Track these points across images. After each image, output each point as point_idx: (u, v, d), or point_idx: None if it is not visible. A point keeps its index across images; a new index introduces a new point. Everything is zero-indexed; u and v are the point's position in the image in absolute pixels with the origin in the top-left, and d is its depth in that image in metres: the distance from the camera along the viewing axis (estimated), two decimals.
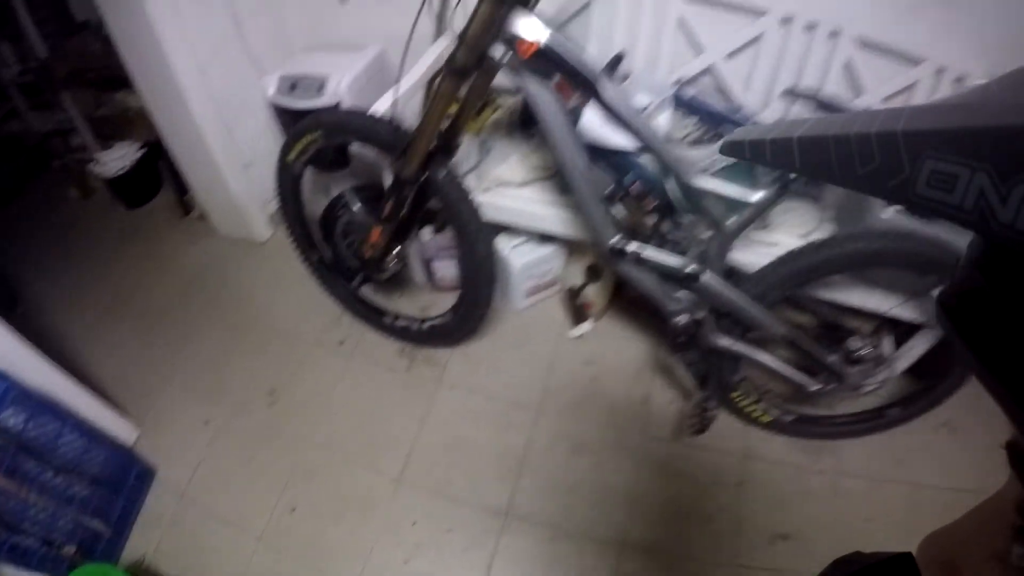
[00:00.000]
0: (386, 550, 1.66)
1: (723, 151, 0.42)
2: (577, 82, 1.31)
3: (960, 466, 2.12)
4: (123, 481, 1.73)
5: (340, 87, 1.90)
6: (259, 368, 2.05)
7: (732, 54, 1.90)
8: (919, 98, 1.89)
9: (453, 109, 1.46)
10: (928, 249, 1.44)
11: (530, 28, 1.26)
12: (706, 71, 1.95)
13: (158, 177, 2.72)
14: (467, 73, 1.35)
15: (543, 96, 1.35)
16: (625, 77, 1.84)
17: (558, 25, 1.85)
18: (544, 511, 1.74)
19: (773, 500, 1.86)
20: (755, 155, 0.39)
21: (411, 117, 1.76)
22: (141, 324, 2.23)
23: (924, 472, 2.05)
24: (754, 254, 1.62)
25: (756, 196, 1.39)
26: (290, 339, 2.13)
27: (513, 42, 1.28)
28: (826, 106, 1.49)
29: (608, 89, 1.30)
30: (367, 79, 1.98)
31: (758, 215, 1.43)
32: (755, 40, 1.85)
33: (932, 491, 2.02)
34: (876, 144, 0.31)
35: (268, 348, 2.11)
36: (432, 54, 1.72)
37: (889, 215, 1.52)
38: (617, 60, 1.74)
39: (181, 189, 2.53)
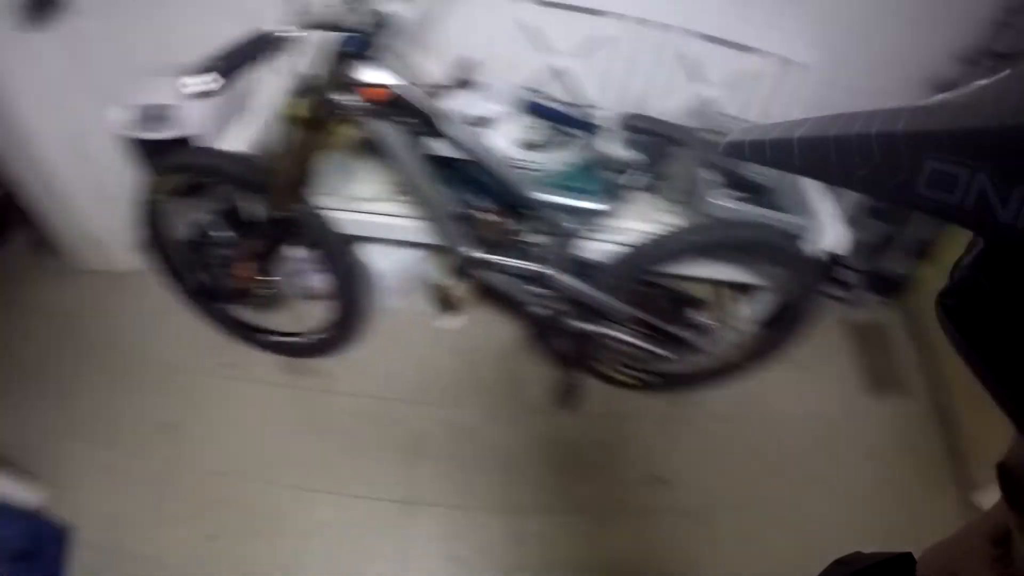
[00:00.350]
0: (307, 555, 1.80)
1: (723, 152, 0.44)
2: (420, 120, 1.46)
3: (811, 397, 2.49)
4: (43, 547, 1.72)
5: (195, 116, 1.92)
6: (150, 405, 2.08)
7: (580, 54, 2.07)
8: (761, 84, 2.19)
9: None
10: (758, 234, 1.70)
11: (374, 76, 1.39)
12: (557, 72, 2.12)
13: (7, 213, 2.62)
14: (320, 122, 1.47)
15: (388, 132, 1.50)
16: (478, 84, 1.99)
17: (415, 30, 1.98)
18: (443, 493, 1.94)
19: (647, 450, 2.15)
20: (755, 155, 0.41)
21: (269, 141, 1.85)
22: (18, 377, 2.16)
23: (780, 405, 2.40)
24: (603, 246, 1.82)
25: (595, 204, 1.60)
26: (175, 370, 2.17)
27: (360, 89, 1.40)
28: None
29: (450, 126, 1.46)
30: (222, 104, 2.00)
31: (600, 218, 1.64)
32: (601, 39, 2.03)
33: (788, 421, 2.38)
34: (876, 144, 0.32)
35: (155, 383, 2.14)
36: (279, 78, 1.79)
37: (722, 201, 1.76)
38: (469, 67, 1.88)
39: (35, 225, 2.40)
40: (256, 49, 1.18)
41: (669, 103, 2.21)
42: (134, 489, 1.91)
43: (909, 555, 0.51)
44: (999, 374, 0.31)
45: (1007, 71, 0.30)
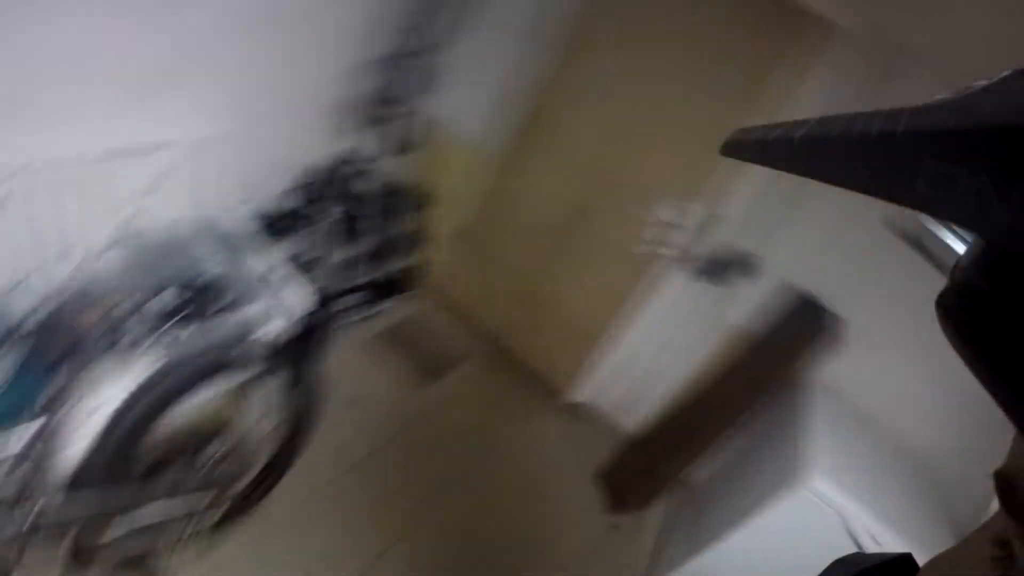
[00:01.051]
0: None
1: (724, 152, 0.42)
2: None
3: (385, 418, 2.82)
4: None
5: None
6: None
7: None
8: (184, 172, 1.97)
9: None
10: (214, 354, 1.73)
11: None
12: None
13: None
14: None
15: None
16: None
17: None
18: None
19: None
20: (756, 155, 0.41)
21: None
22: None
23: (365, 443, 2.64)
24: (71, 449, 1.62)
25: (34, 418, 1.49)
26: None
27: None
28: None
29: None
30: None
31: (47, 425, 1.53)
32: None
33: (388, 447, 2.65)
34: (877, 145, 0.32)
35: None
36: None
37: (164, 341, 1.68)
38: None
39: None
40: None
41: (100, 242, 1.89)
42: None
43: (909, 556, 0.53)
44: (999, 374, 0.31)
45: (1007, 71, 0.31)
